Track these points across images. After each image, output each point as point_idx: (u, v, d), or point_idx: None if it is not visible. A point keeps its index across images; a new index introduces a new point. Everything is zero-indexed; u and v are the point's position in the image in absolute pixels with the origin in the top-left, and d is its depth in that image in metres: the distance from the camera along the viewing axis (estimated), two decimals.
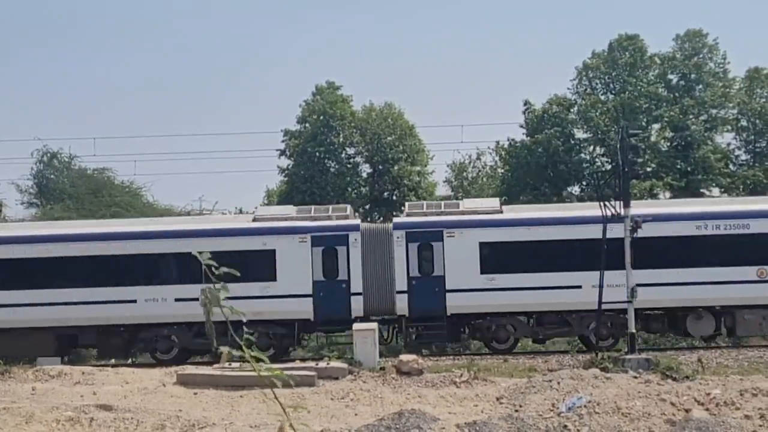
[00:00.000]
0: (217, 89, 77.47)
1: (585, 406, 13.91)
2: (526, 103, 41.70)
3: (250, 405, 15.30)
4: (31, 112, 72.88)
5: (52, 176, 43.06)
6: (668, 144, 39.99)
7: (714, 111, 40.39)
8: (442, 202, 25.63)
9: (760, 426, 12.90)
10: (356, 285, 22.91)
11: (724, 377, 16.07)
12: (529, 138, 40.87)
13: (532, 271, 22.29)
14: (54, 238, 23.54)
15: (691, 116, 39.54)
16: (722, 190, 38.72)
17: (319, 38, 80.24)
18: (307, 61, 76.27)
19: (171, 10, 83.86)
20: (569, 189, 39.46)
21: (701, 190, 38.41)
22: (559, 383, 15.48)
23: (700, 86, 40.46)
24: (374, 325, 20.06)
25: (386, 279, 23.37)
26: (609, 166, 36.20)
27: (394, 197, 41.87)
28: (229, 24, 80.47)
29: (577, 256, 22.09)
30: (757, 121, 40.19)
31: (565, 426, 13.29)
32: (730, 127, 40.89)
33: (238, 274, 3.34)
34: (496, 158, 45.73)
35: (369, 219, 38.81)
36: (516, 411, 14.26)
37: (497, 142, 44.70)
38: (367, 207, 41.95)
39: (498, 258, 22.64)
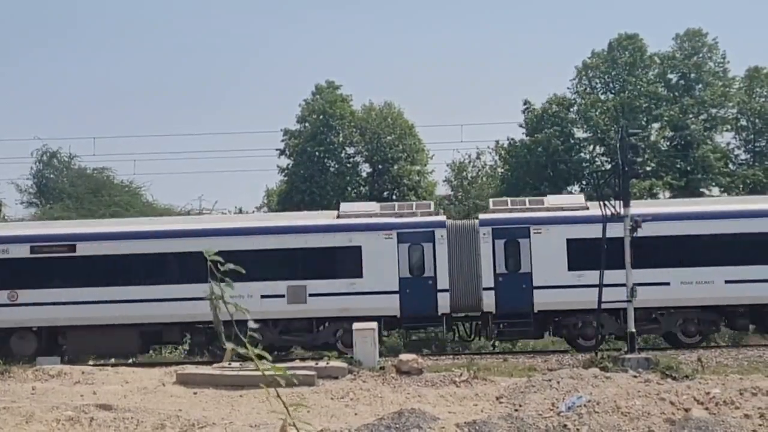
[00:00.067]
0: (217, 89, 77.56)
1: (585, 406, 13.90)
2: (525, 102, 41.74)
3: (250, 404, 15.29)
4: (31, 111, 72.96)
5: (51, 176, 43.08)
6: (668, 143, 40.01)
7: (714, 110, 40.41)
8: (527, 199, 25.57)
9: (760, 425, 12.89)
10: (443, 282, 22.91)
11: (723, 376, 16.07)
12: (528, 137, 40.88)
13: (620, 267, 22.41)
14: (140, 235, 23.50)
15: (690, 116, 39.56)
16: (722, 189, 38.75)
17: (319, 38, 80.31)
18: (307, 61, 76.35)
19: (171, 10, 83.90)
20: (569, 188, 39.47)
21: (701, 190, 38.44)
22: (558, 382, 15.48)
23: (700, 86, 40.48)
24: (374, 325, 20.01)
25: (472, 275, 23.33)
26: (609, 166, 36.20)
27: (394, 197, 41.86)
28: (229, 24, 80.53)
29: (665, 252, 22.37)
30: (757, 120, 40.23)
31: (565, 425, 13.29)
32: (729, 127, 40.92)
33: (243, 272, 3.26)
34: (496, 158, 45.75)
35: None
36: (516, 410, 14.25)
37: (497, 142, 44.76)
38: None
39: (586, 254, 22.42)
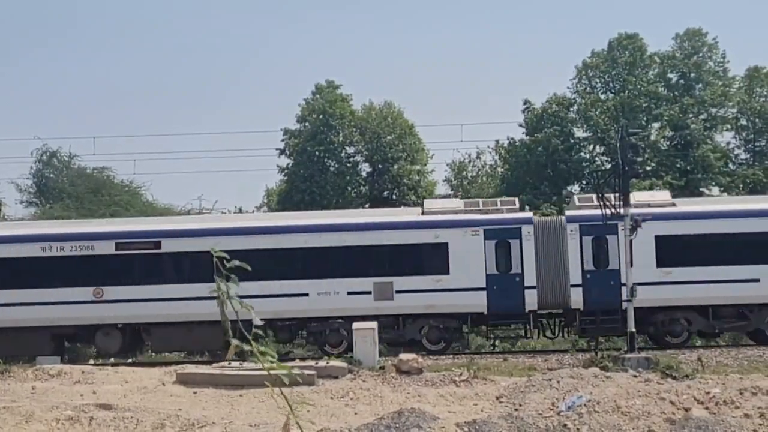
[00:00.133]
0: (217, 89, 77.62)
1: (585, 405, 13.90)
2: (525, 102, 41.77)
3: (250, 404, 15.30)
4: (31, 111, 73.02)
5: (51, 175, 43.06)
6: (668, 143, 40.04)
7: (713, 110, 40.44)
8: (612, 195, 25.56)
9: (760, 425, 12.89)
10: (530, 278, 22.84)
11: (723, 376, 16.06)
12: (528, 137, 40.90)
13: (708, 264, 22.14)
14: (226, 232, 23.19)
15: (690, 115, 39.58)
16: (722, 189, 38.78)
17: (319, 38, 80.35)
18: (307, 60, 76.43)
19: (171, 10, 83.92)
20: (569, 188, 39.50)
21: (701, 189, 38.46)
22: (558, 382, 15.48)
23: (700, 85, 40.51)
24: (374, 324, 19.98)
25: (559, 272, 23.23)
26: (609, 165, 36.24)
27: (394, 196, 41.89)
28: (229, 24, 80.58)
29: (755, 248, 22.30)
30: (757, 120, 40.25)
31: (565, 425, 13.28)
32: (729, 126, 40.94)
33: (249, 269, 3.23)
34: (496, 157, 45.81)
35: None
36: (516, 410, 14.25)
37: (497, 141, 44.84)
38: (367, 206, 41.95)
39: (674, 251, 22.42)
